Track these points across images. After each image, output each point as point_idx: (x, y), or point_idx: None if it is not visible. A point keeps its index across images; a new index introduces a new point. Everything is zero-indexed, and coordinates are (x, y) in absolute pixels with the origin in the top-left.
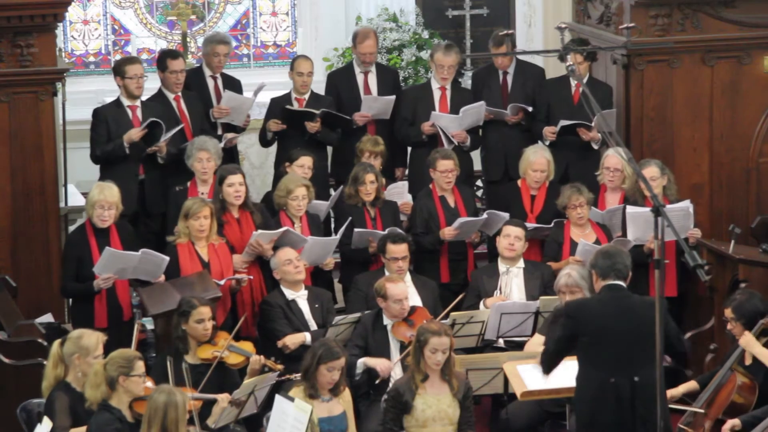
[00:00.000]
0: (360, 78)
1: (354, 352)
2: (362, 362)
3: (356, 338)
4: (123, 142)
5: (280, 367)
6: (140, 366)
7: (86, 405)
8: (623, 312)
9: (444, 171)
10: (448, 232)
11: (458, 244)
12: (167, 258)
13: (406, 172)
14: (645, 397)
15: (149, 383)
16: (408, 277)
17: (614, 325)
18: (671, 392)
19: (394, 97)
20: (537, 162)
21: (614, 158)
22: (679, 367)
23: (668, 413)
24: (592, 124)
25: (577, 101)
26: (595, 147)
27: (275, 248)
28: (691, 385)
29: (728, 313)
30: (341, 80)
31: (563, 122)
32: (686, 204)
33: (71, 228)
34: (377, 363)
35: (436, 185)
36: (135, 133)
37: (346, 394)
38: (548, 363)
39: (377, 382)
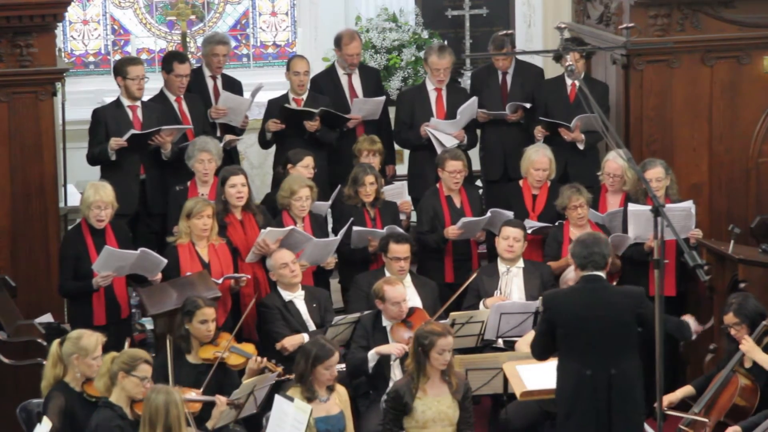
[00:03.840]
0: (344, 80)
1: (359, 352)
2: (373, 353)
3: (359, 339)
4: (108, 148)
5: (280, 369)
6: (144, 369)
7: (83, 396)
8: (599, 303)
9: (452, 171)
10: (451, 231)
11: (463, 244)
12: (165, 260)
13: (396, 169)
14: (622, 390)
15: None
16: (408, 277)
17: (590, 316)
18: (669, 397)
19: (383, 98)
20: (539, 161)
21: (613, 164)
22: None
23: (644, 407)
24: (571, 125)
25: (573, 100)
26: (581, 147)
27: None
28: (687, 389)
29: (730, 318)
30: (325, 83)
31: (542, 119)
32: (688, 204)
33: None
34: (389, 348)
35: (443, 185)
36: (115, 143)
37: (343, 393)
38: (539, 356)
39: (394, 360)
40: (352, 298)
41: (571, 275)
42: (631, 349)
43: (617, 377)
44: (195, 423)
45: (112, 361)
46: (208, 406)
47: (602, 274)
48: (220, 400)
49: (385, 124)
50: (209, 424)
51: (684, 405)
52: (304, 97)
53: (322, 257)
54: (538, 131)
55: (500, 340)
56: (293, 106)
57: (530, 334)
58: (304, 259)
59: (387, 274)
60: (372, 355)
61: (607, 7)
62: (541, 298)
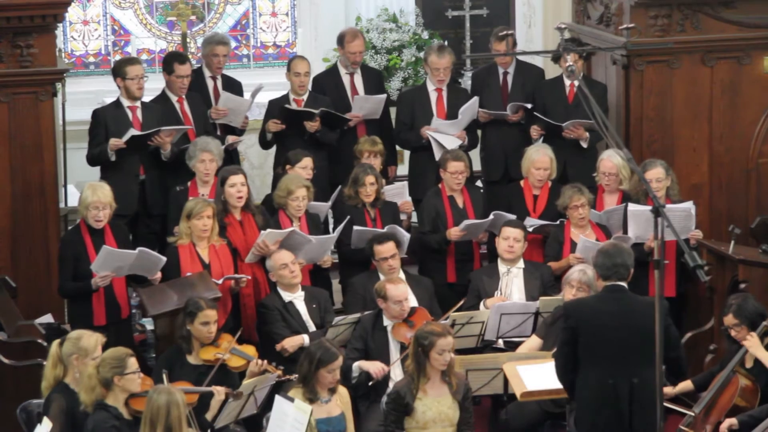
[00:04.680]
0: (346, 79)
1: (352, 355)
2: (357, 366)
3: (355, 341)
4: (108, 149)
5: (280, 371)
6: (133, 363)
7: (81, 408)
8: (622, 313)
9: (454, 172)
10: (454, 233)
11: (465, 244)
12: (164, 258)
13: (398, 170)
14: (643, 399)
15: (147, 381)
16: (401, 276)
17: (613, 325)
18: (666, 390)
19: (384, 96)
20: (540, 160)
21: (608, 162)
22: (670, 377)
23: (664, 415)
24: (564, 125)
25: (572, 101)
26: (584, 145)
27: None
28: (686, 385)
29: (730, 319)
30: (327, 82)
31: (537, 114)
32: (688, 205)
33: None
34: (371, 366)
35: (445, 185)
36: (114, 144)
37: (345, 394)
38: (563, 373)
39: (370, 383)
40: (349, 301)
41: (576, 276)
42: (652, 359)
43: (639, 386)
44: (195, 419)
45: (98, 371)
46: (206, 401)
47: (625, 284)
48: (217, 390)
49: (386, 125)
50: (209, 415)
51: (680, 401)
52: (305, 97)
53: (319, 255)
54: (534, 130)
55: (500, 341)
56: (294, 106)
57: (533, 339)
58: (300, 257)
59: (380, 275)
60: (356, 367)
61: (607, 8)
62: (563, 304)
